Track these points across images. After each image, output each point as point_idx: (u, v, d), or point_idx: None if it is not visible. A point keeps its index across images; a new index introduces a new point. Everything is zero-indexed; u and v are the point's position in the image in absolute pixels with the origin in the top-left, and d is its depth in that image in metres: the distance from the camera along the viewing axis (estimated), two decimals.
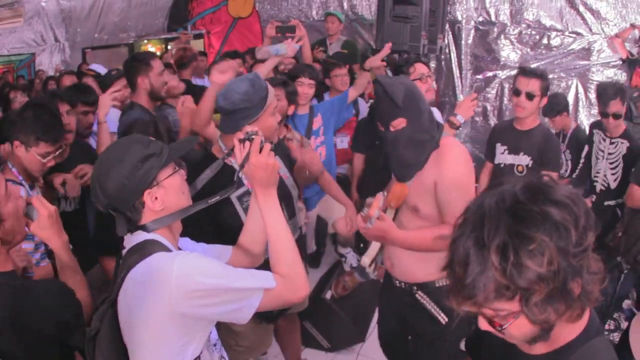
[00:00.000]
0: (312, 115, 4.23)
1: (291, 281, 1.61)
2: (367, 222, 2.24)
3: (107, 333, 1.55)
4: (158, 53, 8.37)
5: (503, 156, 3.75)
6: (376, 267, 2.63)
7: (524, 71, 3.59)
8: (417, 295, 2.49)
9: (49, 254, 2.60)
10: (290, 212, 2.71)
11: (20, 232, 1.77)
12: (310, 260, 4.81)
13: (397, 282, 2.60)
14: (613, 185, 4.25)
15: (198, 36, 8.30)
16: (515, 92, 3.56)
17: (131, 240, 1.65)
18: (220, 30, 8.75)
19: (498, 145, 3.79)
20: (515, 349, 1.28)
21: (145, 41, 9.00)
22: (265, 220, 1.70)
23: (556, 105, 4.82)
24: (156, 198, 1.62)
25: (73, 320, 1.73)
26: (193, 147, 2.63)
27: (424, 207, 2.36)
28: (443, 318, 2.44)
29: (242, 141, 1.77)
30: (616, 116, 4.16)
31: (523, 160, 3.64)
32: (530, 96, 3.49)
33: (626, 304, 4.03)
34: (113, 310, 1.56)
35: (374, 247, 2.58)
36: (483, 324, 1.17)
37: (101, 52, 9.12)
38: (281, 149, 2.77)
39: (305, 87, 4.08)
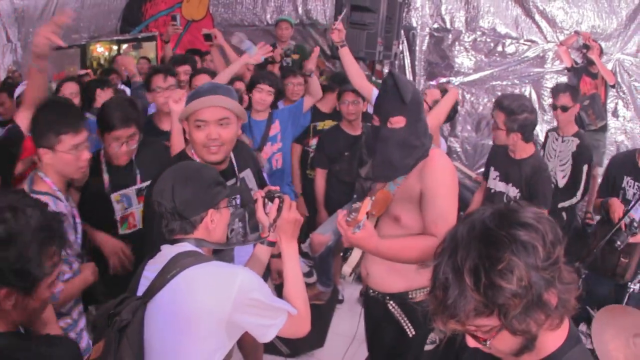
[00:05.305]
0: (270, 122, 4.25)
1: (303, 317, 1.87)
2: (354, 227, 2.11)
3: (137, 327, 1.69)
4: (106, 54, 8.19)
5: (494, 182, 3.68)
6: (355, 276, 2.57)
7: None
8: (388, 306, 2.47)
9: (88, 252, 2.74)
10: (252, 223, 2.53)
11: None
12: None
13: (371, 291, 2.57)
14: (561, 183, 4.28)
15: (150, 39, 8.09)
16: None
17: (172, 249, 1.81)
18: None
19: (492, 169, 3.73)
20: None
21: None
22: (286, 264, 1.97)
23: None
24: (212, 220, 1.86)
25: None
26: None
27: (406, 216, 2.33)
28: (411, 331, 2.43)
29: (268, 198, 2.01)
30: (564, 108, 4.24)
31: (511, 191, 3.56)
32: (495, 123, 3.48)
33: None
34: (144, 307, 1.72)
35: (355, 255, 2.50)
36: (470, 342, 1.24)
37: (52, 53, 8.80)
38: (247, 152, 2.75)
39: (264, 93, 4.13)
